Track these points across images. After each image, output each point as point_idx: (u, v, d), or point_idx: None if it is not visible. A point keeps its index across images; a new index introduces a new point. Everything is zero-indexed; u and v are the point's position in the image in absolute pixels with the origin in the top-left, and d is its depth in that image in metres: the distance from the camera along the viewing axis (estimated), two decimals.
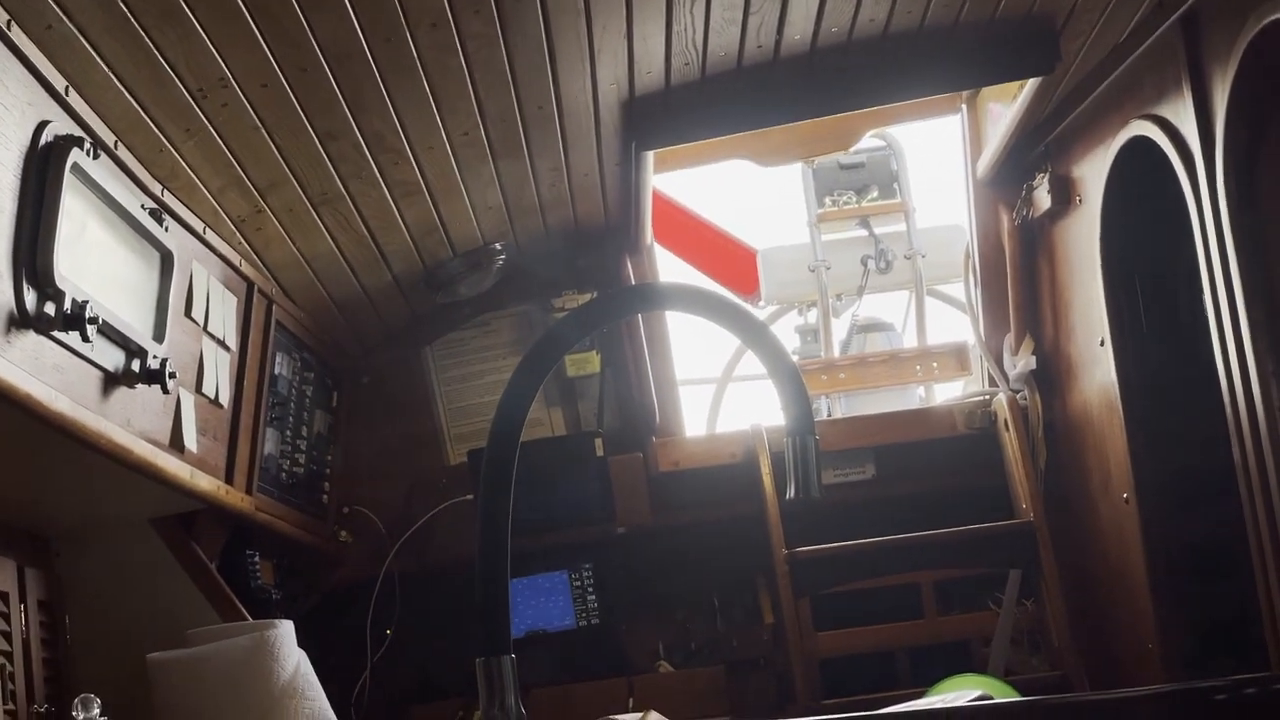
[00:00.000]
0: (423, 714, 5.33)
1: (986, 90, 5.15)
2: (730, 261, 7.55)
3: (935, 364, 6.24)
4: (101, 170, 3.14)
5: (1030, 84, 4.59)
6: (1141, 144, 4.19)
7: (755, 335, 2.30)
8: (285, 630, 3.97)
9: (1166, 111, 4.01)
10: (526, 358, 2.17)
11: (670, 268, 7.24)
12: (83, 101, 3.12)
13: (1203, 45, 3.79)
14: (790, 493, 2.29)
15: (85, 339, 3.03)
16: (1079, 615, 5.10)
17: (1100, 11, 4.00)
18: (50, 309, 2.91)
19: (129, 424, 3.39)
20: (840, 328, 7.08)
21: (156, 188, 3.56)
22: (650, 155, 4.62)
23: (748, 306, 7.00)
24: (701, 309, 2.30)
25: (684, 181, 7.35)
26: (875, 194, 6.99)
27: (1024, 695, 4.62)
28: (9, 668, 3.57)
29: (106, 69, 3.08)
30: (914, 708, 3.00)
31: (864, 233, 6.98)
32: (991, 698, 3.37)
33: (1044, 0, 3.96)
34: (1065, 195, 4.87)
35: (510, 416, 2.12)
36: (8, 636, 3.60)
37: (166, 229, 3.54)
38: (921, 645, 5.32)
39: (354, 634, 5.30)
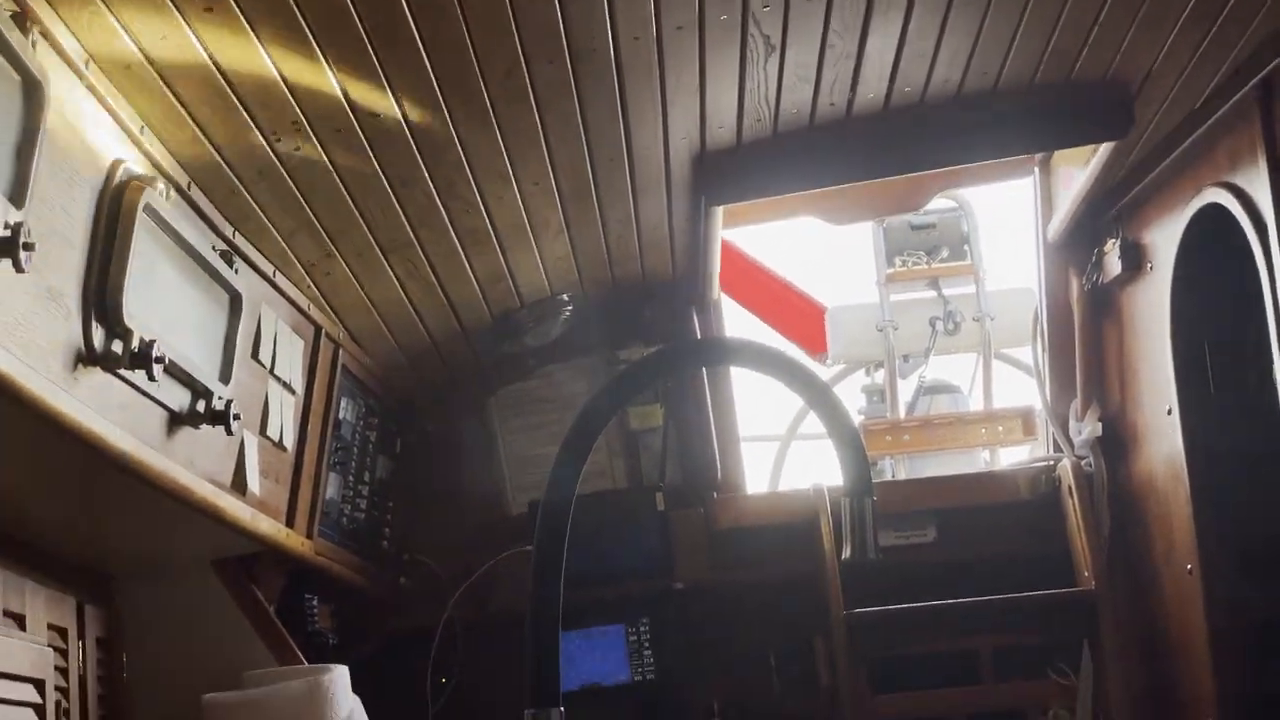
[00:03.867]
0: None
1: (1060, 153, 5.13)
2: (799, 318, 7.55)
3: (1001, 428, 6.23)
4: (174, 211, 3.16)
5: (1104, 148, 4.56)
6: (1215, 211, 4.17)
7: (816, 394, 2.29)
8: (340, 675, 3.97)
9: (1241, 179, 3.98)
10: (588, 404, 2.17)
11: (738, 324, 7.26)
12: (158, 142, 3.15)
13: (1278, 113, 3.77)
14: (846, 553, 2.28)
15: (151, 378, 3.04)
16: (1140, 687, 5.04)
17: (1176, 76, 3.98)
18: (118, 347, 2.93)
19: (192, 464, 3.41)
20: (907, 389, 7.06)
21: (228, 229, 3.59)
22: (720, 210, 4.63)
23: (812, 365, 7.00)
24: (764, 366, 2.30)
25: (753, 236, 7.35)
26: (945, 255, 6.98)
27: None
28: (64, 704, 3.58)
29: (182, 110, 3.11)
30: None
31: (933, 294, 6.97)
32: None
33: (1120, 65, 3.94)
34: (1136, 261, 4.84)
35: (568, 467, 2.12)
36: (65, 673, 3.61)
37: (236, 271, 3.56)
38: (979, 711, 5.26)
39: (411, 682, 5.29)
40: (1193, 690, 4.67)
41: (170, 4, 2.75)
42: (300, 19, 2.91)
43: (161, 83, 2.99)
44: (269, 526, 3.98)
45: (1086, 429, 5.29)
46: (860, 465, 2.27)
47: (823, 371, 7.33)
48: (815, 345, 7.37)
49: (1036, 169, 5.37)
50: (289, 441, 4.12)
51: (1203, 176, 4.24)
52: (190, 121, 3.16)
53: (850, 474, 2.28)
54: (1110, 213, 4.96)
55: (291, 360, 4.06)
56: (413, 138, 3.53)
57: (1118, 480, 5.21)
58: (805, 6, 3.37)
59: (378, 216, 3.91)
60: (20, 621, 3.43)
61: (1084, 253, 5.21)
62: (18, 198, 2.54)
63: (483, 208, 4.05)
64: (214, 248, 3.45)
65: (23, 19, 2.57)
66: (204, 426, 3.41)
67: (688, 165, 4.19)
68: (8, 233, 2.47)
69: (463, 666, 5.30)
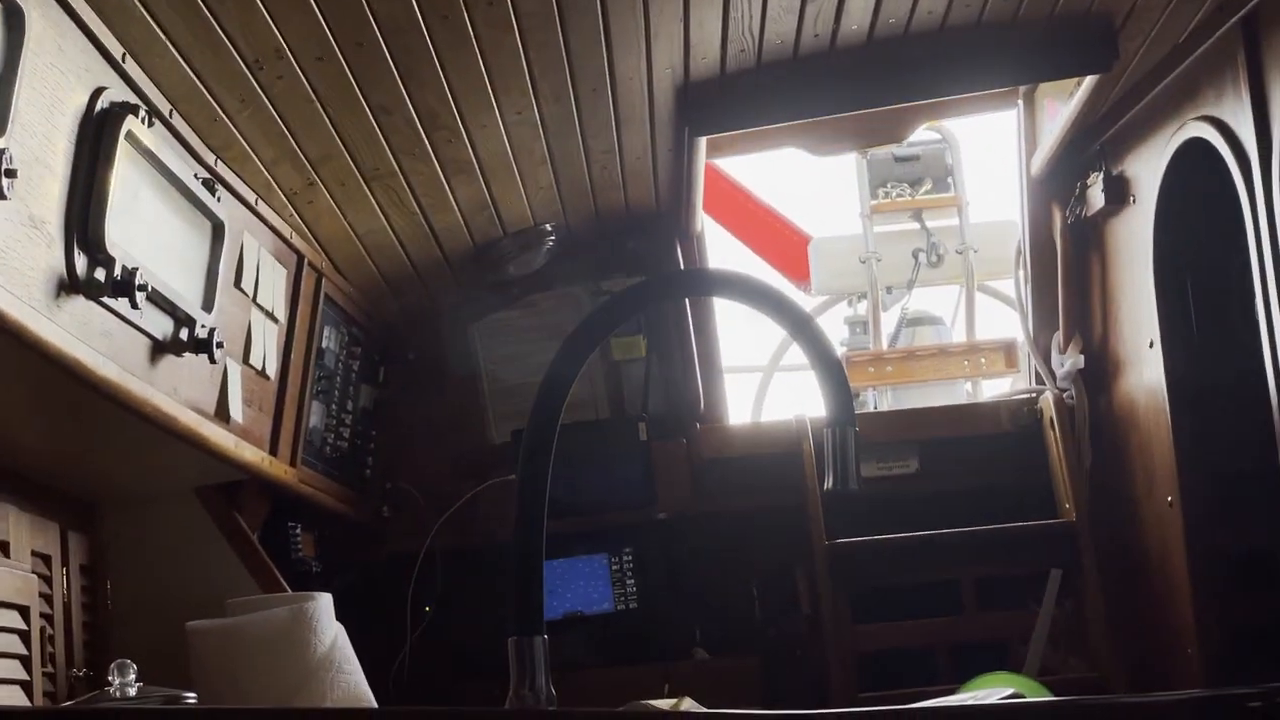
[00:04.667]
0: (460, 691, 5.33)
1: (1043, 86, 5.12)
2: (784, 245, 7.54)
3: (983, 360, 6.23)
4: (156, 138, 3.15)
5: (1087, 82, 4.56)
6: (1198, 145, 4.17)
7: (799, 325, 2.30)
8: (324, 603, 3.98)
9: (1224, 113, 3.98)
10: (570, 336, 2.18)
11: (722, 254, 7.24)
12: (139, 69, 3.13)
13: (1262, 48, 3.77)
14: (828, 483, 2.29)
15: (134, 306, 3.04)
16: (1119, 618, 5.08)
17: (1160, 11, 3.97)
18: (100, 275, 2.93)
19: (175, 392, 3.41)
20: (890, 320, 7.06)
21: (210, 158, 3.58)
22: (703, 141, 4.62)
23: (796, 294, 7.00)
24: (747, 297, 2.30)
25: (737, 164, 7.32)
26: (929, 187, 6.97)
27: (1058, 696, 4.61)
28: (49, 630, 3.60)
29: (164, 37, 3.10)
30: (942, 703, 2.99)
31: (916, 226, 6.96)
32: (1023, 697, 3.35)
33: None
34: (1119, 194, 4.84)
35: (551, 395, 2.13)
36: (49, 599, 3.63)
37: (219, 199, 3.55)
38: (960, 642, 5.29)
39: (394, 609, 5.31)
40: (1173, 621, 4.70)
41: None
42: None
43: (143, 9, 2.97)
44: (252, 454, 3.99)
45: (1068, 361, 5.30)
46: (843, 396, 2.28)
47: (806, 302, 7.33)
48: (799, 273, 7.36)
49: (1020, 102, 5.36)
50: (272, 370, 4.12)
51: (1186, 110, 4.24)
52: (172, 48, 3.15)
53: (832, 404, 2.28)
54: (1094, 146, 4.96)
55: (274, 289, 4.06)
56: (395, 66, 3.52)
57: (1099, 413, 5.24)
58: None
59: (360, 145, 3.90)
60: (4, 548, 3.44)
61: (1067, 186, 5.22)
62: (0, 125, 2.53)
63: (465, 137, 4.04)
64: (196, 176, 3.45)
65: None
66: (187, 355, 3.41)
67: (671, 96, 4.18)
68: None
69: (445, 594, 5.32)
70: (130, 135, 3.01)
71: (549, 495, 2.12)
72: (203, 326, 3.44)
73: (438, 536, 5.31)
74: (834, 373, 2.27)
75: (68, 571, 3.78)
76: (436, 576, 5.32)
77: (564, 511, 5.05)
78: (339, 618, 4.05)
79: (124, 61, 3.05)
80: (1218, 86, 4.01)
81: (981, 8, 3.94)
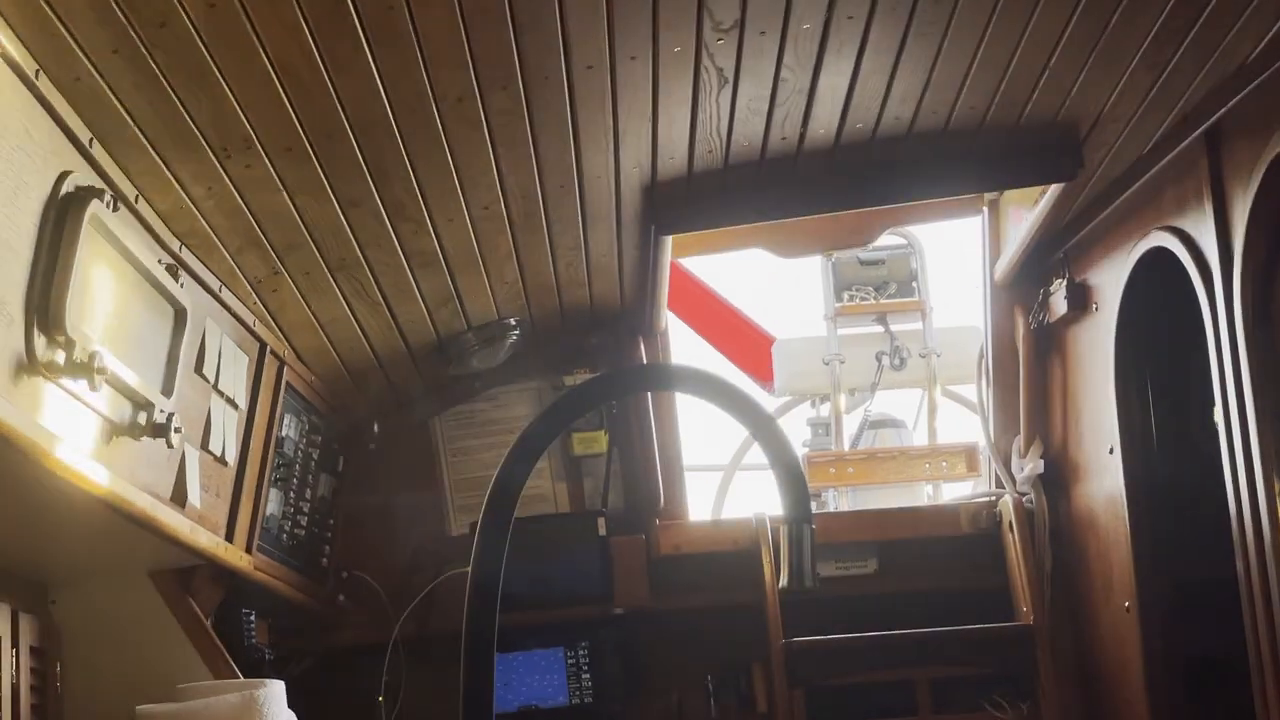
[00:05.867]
0: None
1: (1008, 194, 5.17)
2: (748, 346, 7.58)
3: (945, 463, 6.25)
4: (120, 223, 3.15)
5: (1052, 190, 4.60)
6: (1160, 255, 4.21)
7: (758, 422, 2.30)
8: (275, 690, 3.95)
9: (1187, 224, 4.02)
10: (524, 433, 2.18)
11: (687, 353, 7.27)
12: (106, 154, 3.14)
13: (1224, 161, 3.82)
14: (783, 581, 2.29)
15: (93, 388, 3.03)
16: None
17: (1125, 122, 4.01)
18: (60, 357, 2.92)
19: (132, 475, 3.40)
20: (852, 422, 7.08)
21: (175, 244, 3.58)
22: (669, 240, 4.64)
23: (760, 394, 7.02)
24: (707, 392, 2.31)
25: (703, 264, 7.36)
26: (893, 291, 7.01)
27: None
28: None
29: (132, 123, 3.11)
30: None
31: (880, 329, 6.99)
32: None
33: (1069, 108, 3.97)
34: (1082, 301, 4.88)
35: (504, 492, 2.13)
36: None
37: (182, 285, 3.55)
38: None
39: (348, 698, 5.27)
40: None
41: (121, 18, 2.75)
42: (254, 39, 2.91)
43: (112, 95, 2.98)
44: (208, 540, 3.97)
45: (1029, 466, 5.32)
46: (800, 493, 2.28)
47: (769, 402, 7.35)
48: (764, 374, 7.39)
49: (985, 208, 5.41)
50: (230, 456, 4.11)
51: (1149, 220, 4.28)
52: (140, 134, 3.15)
53: (789, 502, 2.28)
54: (1057, 253, 5.00)
55: (236, 375, 4.06)
56: (364, 158, 3.53)
57: (1059, 517, 5.25)
58: (759, 41, 3.39)
59: (326, 235, 3.91)
60: None
61: (1031, 292, 5.25)
62: None
63: (431, 229, 4.05)
64: (160, 261, 3.44)
65: None
66: (145, 439, 3.40)
67: (638, 194, 4.20)
68: None
69: (403, 685, 5.29)
70: (95, 219, 3.01)
71: (504, 588, 2.11)
72: (161, 411, 3.43)
73: (399, 627, 5.28)
74: (791, 471, 2.27)
75: (17, 653, 3.74)
76: (395, 667, 5.29)
77: (521, 605, 5.04)
78: (291, 706, 4.02)
79: (91, 146, 3.06)
80: (1180, 197, 4.05)
81: (948, 115, 3.97)
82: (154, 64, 2.92)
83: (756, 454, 7.16)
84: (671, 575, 5.44)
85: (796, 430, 7.35)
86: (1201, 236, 3.93)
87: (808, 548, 2.30)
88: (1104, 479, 4.80)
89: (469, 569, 2.10)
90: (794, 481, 2.27)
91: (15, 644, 3.74)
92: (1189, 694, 4.55)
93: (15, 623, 3.76)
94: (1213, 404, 3.94)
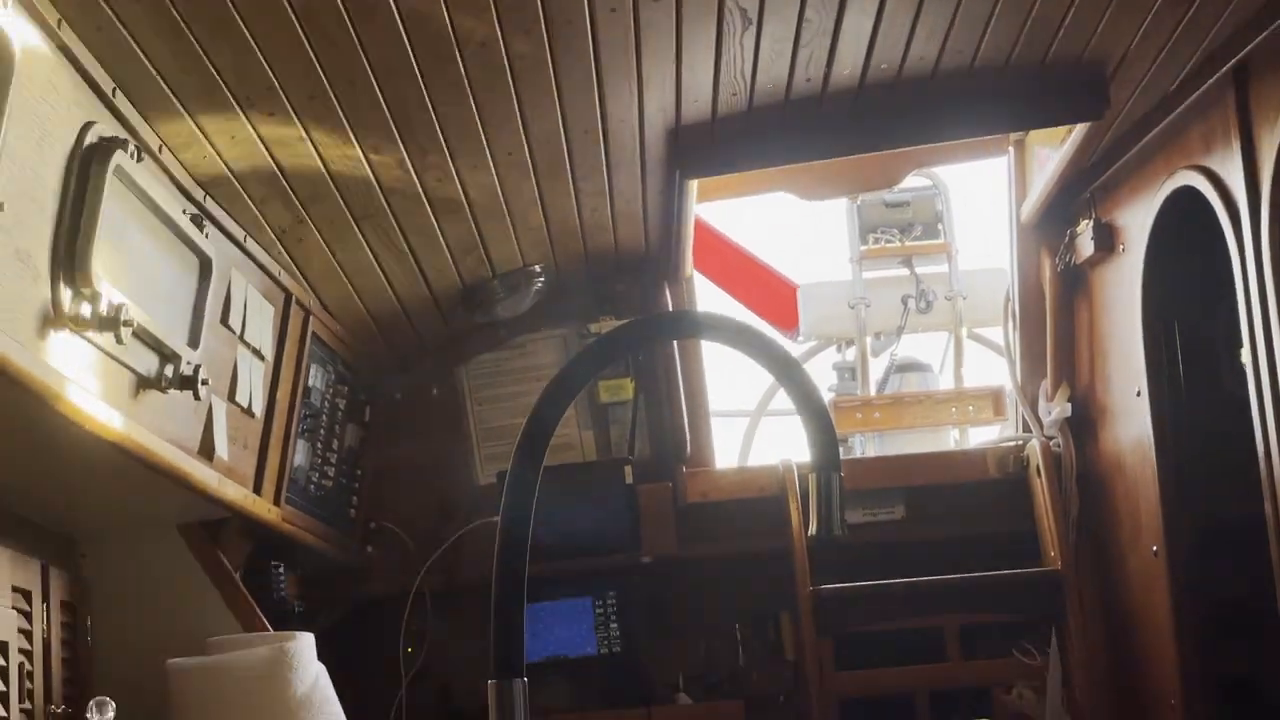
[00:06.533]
0: None
1: (1034, 134, 5.13)
2: (771, 295, 7.55)
3: (971, 407, 6.23)
4: (144, 174, 3.15)
5: (1078, 129, 4.57)
6: (1187, 194, 4.18)
7: (784, 369, 2.28)
8: (305, 643, 3.96)
9: (1214, 163, 3.99)
10: (554, 379, 2.17)
11: (710, 299, 7.25)
12: (129, 105, 3.13)
13: (1252, 98, 3.78)
14: (811, 529, 2.28)
15: (119, 341, 3.03)
16: (1104, 667, 5.06)
17: (1151, 60, 3.98)
18: (86, 310, 2.92)
19: (160, 428, 3.40)
20: (878, 367, 7.06)
21: (199, 194, 3.57)
22: (694, 184, 4.62)
23: (782, 341, 7.00)
24: (733, 339, 2.29)
25: (726, 211, 7.35)
26: (919, 233, 6.98)
27: None
28: (28, 666, 3.58)
29: (155, 73, 3.10)
30: None
31: (906, 272, 6.97)
32: None
33: (1095, 47, 3.94)
34: (1109, 242, 4.85)
35: (534, 437, 2.12)
36: (29, 635, 3.60)
37: (207, 235, 3.55)
38: (943, 690, 5.28)
39: (377, 649, 5.29)
40: (1157, 671, 4.69)
41: None
42: None
43: (134, 44, 2.97)
44: (236, 492, 3.98)
45: (1056, 409, 5.30)
46: (828, 440, 2.26)
47: (794, 349, 7.34)
48: (787, 323, 7.37)
49: (1011, 149, 5.38)
50: (258, 408, 4.11)
51: (1176, 159, 4.25)
52: (163, 84, 3.14)
53: (817, 449, 2.27)
54: (1084, 194, 4.97)
55: (261, 326, 4.05)
56: (387, 106, 3.51)
57: (1086, 461, 5.23)
58: None
59: (350, 184, 3.89)
60: None
61: (1057, 233, 5.22)
62: None
63: (456, 177, 4.03)
64: (185, 212, 3.44)
65: None
66: (172, 391, 3.40)
67: (662, 139, 4.18)
68: None
69: (430, 635, 5.30)
70: (119, 170, 3.00)
71: (532, 538, 2.11)
72: (188, 363, 3.43)
73: (424, 577, 5.29)
74: (819, 417, 2.25)
75: (48, 607, 3.75)
76: (423, 617, 5.30)
77: (548, 554, 5.03)
78: (320, 658, 4.04)
79: (114, 96, 3.05)
80: (1208, 136, 4.02)
81: (974, 54, 3.94)
82: (176, 12, 2.90)
83: (783, 399, 7.15)
84: (699, 523, 5.43)
85: (822, 375, 7.34)
86: (1229, 175, 3.90)
87: (836, 495, 2.28)
88: (1131, 422, 4.78)
89: (499, 514, 2.09)
90: (822, 428, 2.26)
91: (46, 598, 3.75)
92: (1217, 637, 4.54)
93: (46, 577, 3.77)
94: (1240, 345, 3.91)
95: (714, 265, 7.30)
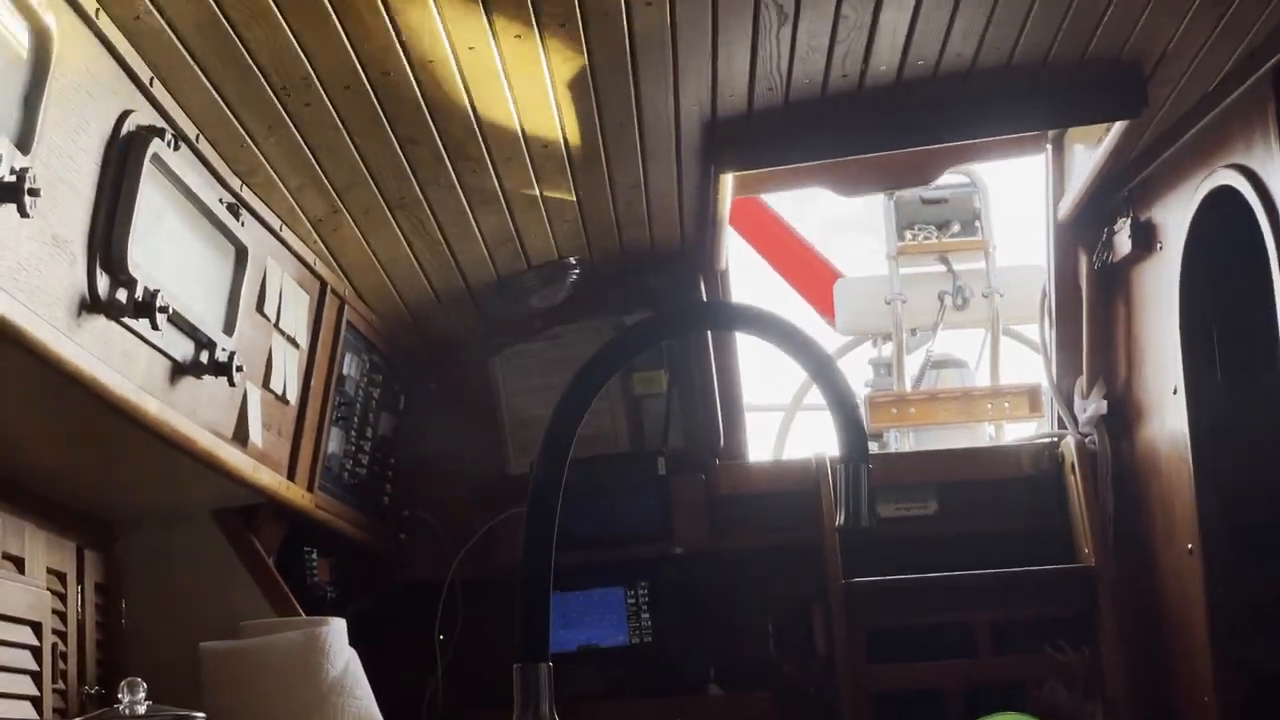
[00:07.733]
0: None
1: (1072, 131, 5.11)
2: (815, 279, 7.58)
3: (1007, 403, 6.23)
4: (181, 162, 3.17)
5: (1116, 127, 4.56)
6: (1226, 193, 4.16)
7: (815, 361, 2.29)
8: (337, 628, 3.98)
9: (1253, 162, 3.98)
10: (583, 369, 2.18)
11: (750, 291, 7.28)
12: (166, 93, 3.15)
13: None
14: (840, 520, 2.29)
15: (155, 327, 3.05)
16: (1137, 664, 5.05)
17: (1191, 58, 3.97)
18: (122, 295, 2.94)
19: (194, 414, 3.42)
20: (914, 362, 7.06)
21: (235, 183, 3.59)
22: (729, 178, 4.62)
23: (824, 331, 7.01)
24: (765, 331, 2.30)
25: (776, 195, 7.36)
26: (956, 230, 6.98)
27: None
28: (62, 647, 3.61)
29: (192, 62, 3.11)
30: None
31: (943, 268, 6.96)
32: None
33: (1134, 45, 3.93)
34: (1146, 241, 4.83)
35: (561, 426, 2.13)
36: (63, 617, 3.63)
37: (243, 224, 3.57)
38: (975, 685, 5.26)
39: (409, 636, 5.32)
40: (1190, 668, 4.68)
41: None
42: None
43: (171, 33, 2.98)
44: (270, 478, 4.00)
45: (1091, 406, 5.29)
46: (856, 432, 2.27)
47: (831, 341, 7.35)
48: (828, 308, 7.39)
49: (1049, 146, 5.36)
50: (292, 395, 4.13)
51: (1215, 158, 4.23)
52: (200, 73, 3.16)
53: (846, 440, 2.28)
54: (1122, 192, 4.96)
55: (296, 314, 4.07)
56: (423, 97, 3.53)
57: (1121, 458, 5.22)
58: None
59: (385, 173, 3.91)
60: (19, 565, 3.45)
61: (1094, 231, 5.21)
62: (25, 144, 2.55)
63: (491, 168, 4.04)
64: (221, 200, 3.46)
65: None
66: (206, 377, 3.42)
67: (698, 132, 4.19)
68: (13, 178, 2.48)
69: (464, 625, 5.32)
70: (156, 158, 3.02)
71: (564, 527, 2.12)
72: (223, 350, 3.45)
73: (457, 566, 5.31)
74: (848, 411, 2.26)
75: (83, 589, 3.78)
76: (455, 605, 5.32)
77: (580, 544, 5.07)
78: (352, 644, 4.05)
79: (151, 85, 3.06)
80: (1247, 135, 4.01)
81: (1011, 51, 3.94)
82: (214, 2, 2.92)
83: (817, 394, 7.15)
84: (731, 515, 5.44)
85: (858, 370, 7.35)
86: (1269, 175, 3.89)
87: (864, 487, 2.29)
88: (1167, 420, 4.77)
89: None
90: (851, 421, 2.27)
91: (81, 581, 3.78)
92: (1251, 638, 4.53)
93: (81, 560, 3.80)
94: (1277, 345, 3.90)
95: (764, 241, 7.34)
